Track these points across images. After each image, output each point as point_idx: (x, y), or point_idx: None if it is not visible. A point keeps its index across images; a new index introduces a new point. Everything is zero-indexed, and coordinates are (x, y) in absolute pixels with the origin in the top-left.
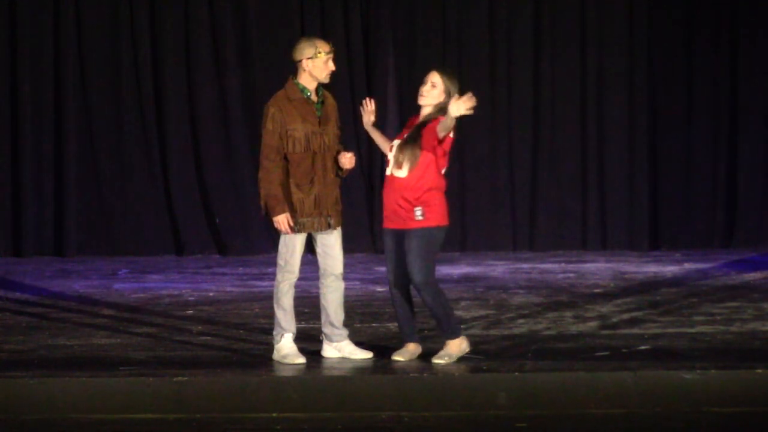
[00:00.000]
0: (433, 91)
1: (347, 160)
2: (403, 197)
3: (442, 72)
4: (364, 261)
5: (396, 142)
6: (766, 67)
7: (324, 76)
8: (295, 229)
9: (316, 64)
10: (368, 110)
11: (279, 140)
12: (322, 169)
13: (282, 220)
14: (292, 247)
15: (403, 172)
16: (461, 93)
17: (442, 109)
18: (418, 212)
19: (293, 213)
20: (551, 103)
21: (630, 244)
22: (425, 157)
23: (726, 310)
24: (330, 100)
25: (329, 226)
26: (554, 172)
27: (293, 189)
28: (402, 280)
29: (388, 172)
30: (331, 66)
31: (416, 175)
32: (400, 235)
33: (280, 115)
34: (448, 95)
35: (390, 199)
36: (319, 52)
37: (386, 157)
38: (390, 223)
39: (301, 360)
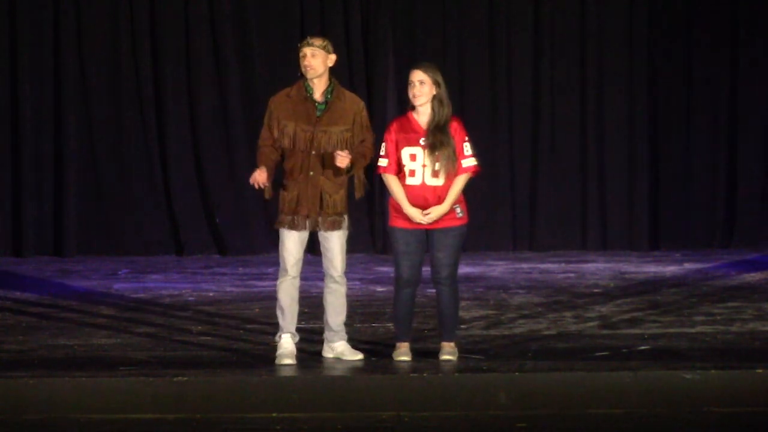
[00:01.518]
0: (423, 87)
1: (338, 158)
2: (442, 199)
3: (423, 67)
4: (364, 261)
5: (417, 150)
6: (766, 67)
7: (303, 70)
8: (280, 222)
9: (300, 60)
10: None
11: (269, 132)
12: (308, 168)
13: (254, 174)
14: (282, 244)
15: (440, 180)
16: (446, 81)
17: (441, 102)
18: (458, 209)
19: (280, 209)
20: (551, 103)
21: (630, 244)
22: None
23: (726, 310)
24: (344, 104)
25: (309, 227)
26: (554, 172)
27: (282, 186)
28: (417, 279)
29: (416, 181)
30: (304, 60)
31: (451, 179)
32: (424, 234)
33: (276, 110)
34: (438, 85)
35: (423, 204)
36: (299, 48)
37: (403, 166)
38: (419, 225)
39: (289, 361)
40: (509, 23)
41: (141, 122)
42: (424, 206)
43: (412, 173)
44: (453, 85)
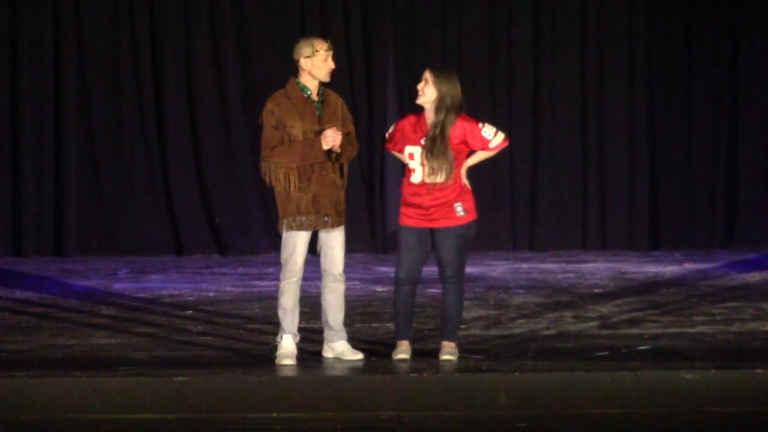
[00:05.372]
0: (426, 88)
1: (330, 136)
2: (443, 198)
3: (433, 70)
4: (364, 261)
5: (416, 150)
6: (766, 67)
7: (323, 74)
8: (294, 225)
9: (314, 63)
10: None
11: (277, 133)
12: (320, 168)
13: (327, 135)
14: (292, 245)
15: (439, 178)
16: (456, 90)
17: (439, 110)
18: (459, 208)
19: (293, 211)
20: (551, 103)
21: (630, 244)
22: (456, 159)
23: (726, 310)
24: (333, 100)
25: (326, 225)
26: (554, 172)
27: (291, 187)
28: (416, 277)
29: (416, 179)
30: (331, 64)
31: (453, 177)
32: (427, 232)
33: (279, 111)
34: (440, 92)
35: (423, 202)
36: (317, 51)
37: (407, 165)
38: (421, 223)
39: (289, 362)
40: (509, 23)
41: (141, 122)
42: (424, 204)
43: (413, 171)
44: None
